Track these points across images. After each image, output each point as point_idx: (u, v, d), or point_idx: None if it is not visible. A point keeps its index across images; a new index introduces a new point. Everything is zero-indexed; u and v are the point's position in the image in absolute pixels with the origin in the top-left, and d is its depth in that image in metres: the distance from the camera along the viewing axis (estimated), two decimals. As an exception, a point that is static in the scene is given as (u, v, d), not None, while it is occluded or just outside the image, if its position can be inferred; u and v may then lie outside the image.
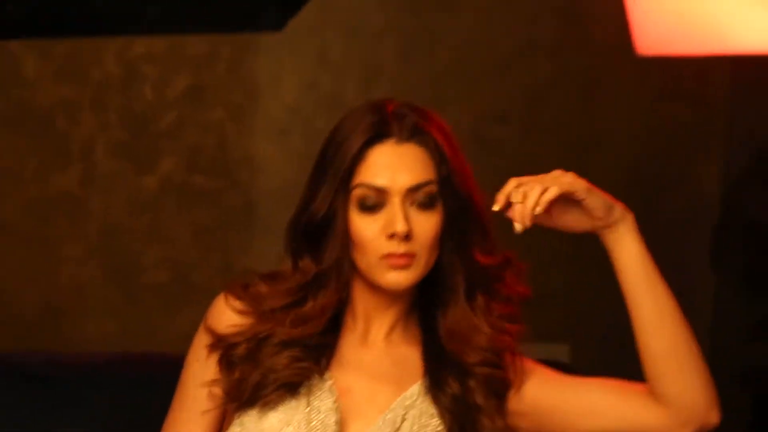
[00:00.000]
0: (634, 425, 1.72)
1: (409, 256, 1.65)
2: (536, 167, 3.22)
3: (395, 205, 1.65)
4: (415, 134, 1.66)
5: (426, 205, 1.66)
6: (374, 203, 1.66)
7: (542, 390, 1.73)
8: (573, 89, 3.26)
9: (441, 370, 1.71)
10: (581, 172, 3.54)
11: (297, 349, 1.68)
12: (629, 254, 1.72)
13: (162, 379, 1.93)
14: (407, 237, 1.64)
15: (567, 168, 3.41)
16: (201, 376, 1.71)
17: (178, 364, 1.79)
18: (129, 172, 3.12)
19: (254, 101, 3.16)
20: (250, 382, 1.67)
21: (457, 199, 1.68)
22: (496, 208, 1.67)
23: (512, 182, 1.67)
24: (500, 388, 1.72)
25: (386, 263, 1.65)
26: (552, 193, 1.67)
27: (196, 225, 3.14)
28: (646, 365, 1.71)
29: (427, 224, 1.66)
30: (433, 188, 1.66)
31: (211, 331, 1.70)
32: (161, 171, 3.14)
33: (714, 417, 1.69)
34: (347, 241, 1.66)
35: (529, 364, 1.76)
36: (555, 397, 1.73)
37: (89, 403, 2.02)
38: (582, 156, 3.25)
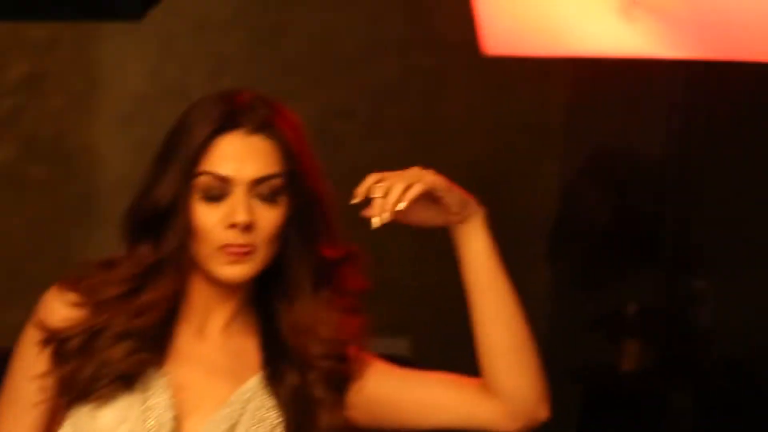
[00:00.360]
0: (468, 419, 1.74)
1: (248, 248, 1.63)
2: (381, 164, 3.24)
3: (238, 195, 1.63)
4: (264, 127, 1.64)
5: (270, 198, 1.64)
6: (218, 193, 1.63)
7: (381, 383, 1.74)
8: (419, 87, 3.29)
9: (280, 362, 1.70)
10: (425, 166, 3.58)
11: (133, 341, 1.64)
12: (477, 248, 1.74)
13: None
14: (248, 228, 1.62)
15: (410, 162, 3.43)
16: (31, 369, 1.65)
17: (9, 357, 1.74)
18: (-37, 160, 3.03)
19: (97, 89, 3.10)
20: (84, 374, 1.62)
21: (303, 194, 1.66)
22: (355, 200, 1.67)
23: (372, 177, 1.67)
24: (341, 381, 1.72)
25: (224, 254, 1.63)
26: (417, 189, 1.67)
27: (31, 217, 3.06)
28: (482, 358, 1.74)
29: (269, 217, 1.64)
30: (278, 182, 1.64)
31: (42, 326, 1.64)
32: (-3, 159, 3.06)
33: (543, 412, 1.73)
34: (188, 230, 1.63)
35: (370, 358, 1.77)
36: (393, 390, 1.74)
37: None
38: (427, 152, 3.28)
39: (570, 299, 3.24)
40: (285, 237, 1.66)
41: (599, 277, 3.07)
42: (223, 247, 1.62)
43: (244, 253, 1.62)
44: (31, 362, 1.65)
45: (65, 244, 3.07)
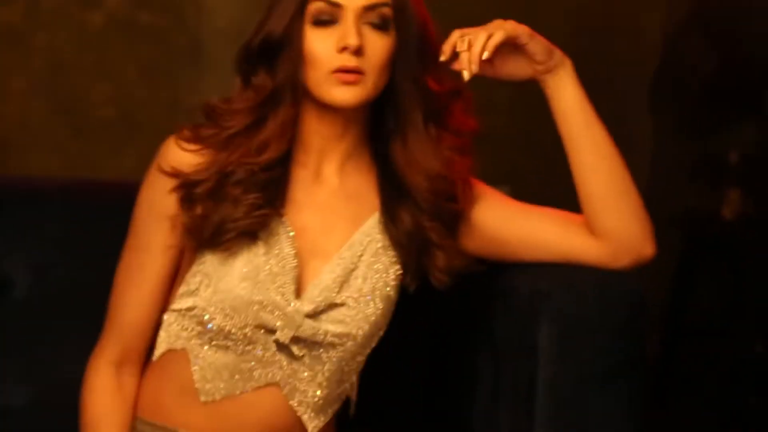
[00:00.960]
0: (574, 255, 1.78)
1: (359, 73, 1.66)
2: (483, 12, 3.24)
3: (349, 20, 1.66)
4: None
5: (380, 26, 1.68)
6: (329, 18, 1.67)
7: (491, 215, 1.78)
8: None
9: (395, 203, 1.75)
10: (527, 18, 3.56)
11: (255, 195, 1.68)
12: (568, 98, 1.76)
13: (117, 206, 1.95)
14: (358, 52, 1.65)
15: (513, 14, 3.42)
16: (160, 213, 1.72)
17: (133, 191, 1.80)
18: (73, 7, 3.08)
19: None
20: (210, 223, 1.68)
21: (412, 26, 1.69)
22: (443, 58, 1.70)
23: (456, 33, 1.70)
24: (453, 221, 1.76)
25: (335, 78, 1.66)
26: (498, 37, 1.70)
27: (143, 62, 3.12)
28: (584, 203, 1.77)
29: (379, 44, 1.67)
30: (387, 10, 1.67)
31: (171, 171, 1.69)
32: (107, 7, 3.10)
33: (649, 249, 1.76)
34: (301, 55, 1.67)
35: (481, 188, 1.81)
36: (503, 222, 1.78)
37: (42, 229, 2.03)
38: (529, 2, 3.25)
39: (673, 147, 3.23)
40: (394, 68, 1.70)
41: (702, 126, 3.05)
42: (335, 71, 1.66)
43: (355, 76, 1.66)
44: (159, 207, 1.72)
45: (175, 89, 3.13)
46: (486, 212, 1.78)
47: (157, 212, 1.72)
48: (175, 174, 1.70)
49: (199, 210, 1.69)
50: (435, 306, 2.05)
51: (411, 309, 2.07)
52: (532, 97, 3.25)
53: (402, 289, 1.80)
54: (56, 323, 2.03)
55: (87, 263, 2.00)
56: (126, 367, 1.76)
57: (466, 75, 1.70)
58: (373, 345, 1.79)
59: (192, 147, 1.70)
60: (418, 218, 1.74)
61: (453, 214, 1.76)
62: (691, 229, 3.03)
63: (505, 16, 3.18)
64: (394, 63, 1.70)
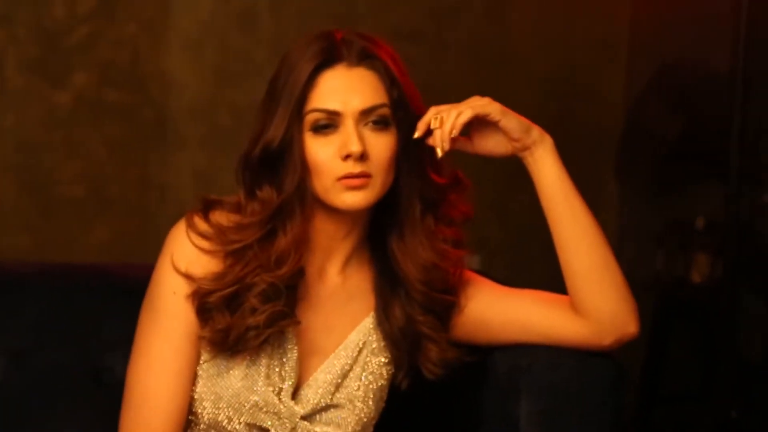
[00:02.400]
0: (557, 336, 1.77)
1: (365, 176, 1.66)
2: (448, 84, 3.28)
3: (349, 127, 1.65)
4: (365, 58, 1.67)
5: (380, 126, 1.67)
6: (328, 124, 1.66)
7: (480, 303, 1.77)
8: (484, 7, 3.29)
9: (389, 299, 1.74)
10: (494, 88, 3.60)
11: (275, 303, 1.67)
12: (548, 175, 1.76)
13: (92, 288, 1.94)
14: (362, 157, 1.65)
15: (480, 85, 3.47)
16: (184, 324, 1.68)
17: (107, 272, 1.78)
18: (41, 88, 3.09)
19: (167, 16, 3.14)
20: (236, 333, 1.66)
21: (410, 120, 1.69)
22: (416, 135, 1.69)
23: (431, 111, 1.70)
24: (446, 312, 1.76)
25: (342, 185, 1.65)
26: (466, 115, 1.70)
27: (111, 140, 3.13)
28: (568, 281, 1.77)
29: (381, 144, 1.67)
30: (385, 111, 1.67)
31: (185, 273, 1.67)
32: (74, 86, 3.11)
33: (633, 328, 1.76)
34: (305, 166, 1.66)
35: (470, 276, 1.80)
36: (492, 309, 1.78)
37: (18, 313, 2.02)
38: (494, 70, 3.30)
39: (639, 213, 3.26)
40: (398, 163, 1.70)
41: (667, 191, 3.10)
42: (341, 179, 1.66)
43: (362, 180, 1.66)
44: (182, 317, 1.68)
45: (144, 166, 3.13)
46: (475, 300, 1.78)
47: (183, 314, 1.68)
48: (188, 277, 1.67)
49: (220, 324, 1.66)
50: (414, 382, 2.05)
51: (390, 387, 2.08)
52: (502, 168, 3.30)
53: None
54: (34, 407, 2.01)
55: (64, 346, 1.99)
56: None
57: (439, 152, 1.71)
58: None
59: (205, 245, 1.67)
60: (411, 312, 1.73)
61: (446, 305, 1.76)
62: (661, 293, 3.06)
63: (475, 86, 3.24)
64: (398, 159, 1.70)
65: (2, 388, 1.98)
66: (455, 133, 1.69)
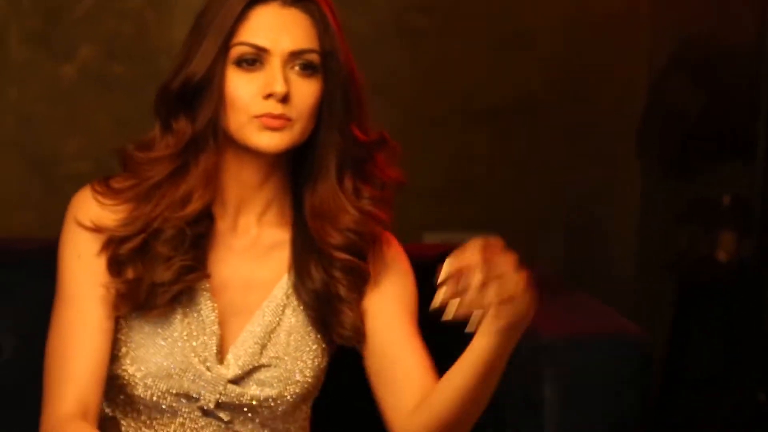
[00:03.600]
0: (384, 399, 1.70)
1: (285, 119, 1.62)
2: (459, 60, 3.25)
3: (275, 66, 1.62)
4: (300, 1, 1.64)
5: (307, 71, 1.64)
6: (253, 60, 1.62)
7: (383, 306, 1.70)
8: (499, -20, 3.27)
9: (307, 257, 1.69)
10: (508, 66, 3.58)
11: (183, 256, 1.64)
12: (493, 351, 1.55)
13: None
14: (285, 99, 1.61)
15: (493, 62, 3.43)
16: (92, 277, 1.66)
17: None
18: (45, 61, 3.07)
19: (173, -12, 3.13)
20: (145, 285, 1.64)
21: (339, 73, 1.65)
22: (434, 305, 1.47)
23: (477, 276, 1.44)
24: (360, 279, 1.70)
25: (259, 123, 1.62)
26: (502, 321, 1.48)
27: (116, 114, 3.11)
28: (425, 414, 1.64)
29: (306, 90, 1.63)
30: (314, 57, 1.64)
31: (92, 227, 1.65)
32: (78, 60, 3.09)
33: None
34: (223, 99, 1.62)
35: (400, 265, 1.73)
36: (383, 321, 1.71)
37: (25, 291, 2.01)
38: (507, 48, 3.27)
39: (662, 191, 3.24)
40: (320, 113, 1.65)
41: (691, 169, 3.07)
42: (260, 116, 1.61)
43: (281, 122, 1.61)
44: (89, 271, 1.66)
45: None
46: (386, 291, 1.70)
47: (89, 277, 1.66)
48: (97, 229, 1.65)
49: (130, 274, 1.64)
50: (435, 354, 2.04)
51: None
52: (517, 142, 3.28)
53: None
54: (41, 386, 2.00)
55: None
56: (89, 422, 1.66)
57: (446, 315, 1.47)
58: (312, 399, 1.74)
59: (111, 201, 1.66)
60: (329, 270, 1.69)
61: (361, 272, 1.70)
62: (685, 273, 3.04)
63: (487, 62, 3.22)
64: (320, 108, 1.66)
65: (11, 366, 1.98)
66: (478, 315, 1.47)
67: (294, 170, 1.71)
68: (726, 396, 2.84)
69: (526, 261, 2.24)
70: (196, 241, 1.66)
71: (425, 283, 2.10)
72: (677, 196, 3.14)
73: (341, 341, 1.71)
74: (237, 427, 1.70)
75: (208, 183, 1.65)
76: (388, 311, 1.72)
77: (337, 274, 1.68)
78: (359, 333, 1.69)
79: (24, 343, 2.00)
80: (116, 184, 1.68)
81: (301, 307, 1.71)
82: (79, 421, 1.63)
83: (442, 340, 1.75)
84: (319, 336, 1.71)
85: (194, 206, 1.64)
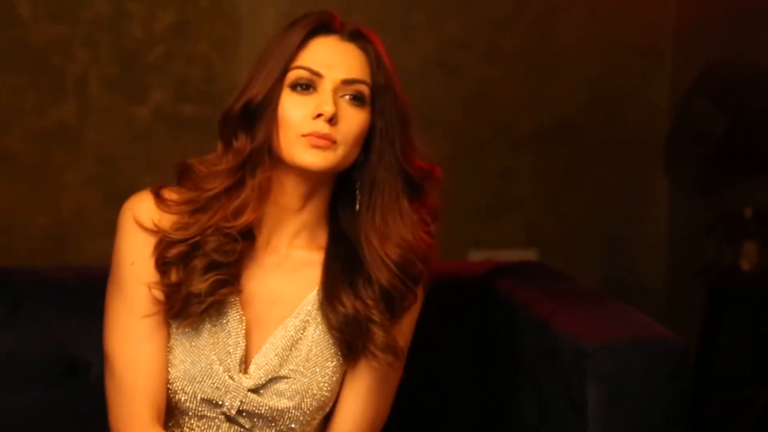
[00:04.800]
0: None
1: (330, 140, 1.61)
2: (499, 90, 3.27)
3: (326, 91, 1.62)
4: (358, 38, 1.65)
5: (356, 102, 1.64)
6: (307, 84, 1.63)
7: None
8: (532, 17, 3.28)
9: (337, 285, 1.67)
10: (544, 93, 3.59)
11: (219, 271, 1.63)
12: None
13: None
14: (332, 120, 1.61)
15: (529, 91, 3.44)
16: (144, 292, 1.65)
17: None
18: (122, 104, 3.11)
19: (237, 34, 3.16)
20: (182, 293, 1.63)
21: (389, 109, 1.65)
22: None
23: None
24: (394, 302, 1.67)
25: (306, 141, 1.61)
26: None
27: (187, 151, 3.14)
28: None
29: (353, 118, 1.63)
30: (365, 89, 1.64)
31: (152, 227, 1.64)
32: (152, 102, 3.13)
33: None
34: (276, 119, 1.62)
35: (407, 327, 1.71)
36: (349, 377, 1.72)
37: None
38: (543, 78, 3.28)
39: (689, 206, 3.23)
40: (373, 145, 1.65)
41: (716, 185, 3.06)
42: (307, 135, 1.61)
43: (326, 141, 1.61)
44: (143, 273, 1.65)
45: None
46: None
47: (140, 290, 1.66)
48: (156, 230, 1.64)
49: (173, 277, 1.63)
50: (484, 364, 2.04)
51: (458, 368, 2.07)
52: (558, 164, 3.28)
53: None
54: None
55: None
56: (161, 424, 1.67)
57: None
58: (328, 409, 1.72)
59: (169, 206, 1.66)
60: (362, 297, 1.66)
61: (400, 298, 1.67)
62: (712, 281, 3.03)
63: (524, 91, 3.23)
64: (372, 140, 1.65)
65: (101, 382, 2.00)
66: None
67: (333, 199, 1.70)
68: (754, 394, 2.82)
69: (566, 274, 2.25)
70: (236, 256, 1.65)
71: (470, 297, 2.11)
72: (703, 210, 3.13)
73: (374, 361, 1.67)
74: None
75: (260, 196, 1.65)
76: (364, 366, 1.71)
77: (370, 301, 1.66)
78: (394, 351, 1.67)
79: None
80: (171, 194, 1.68)
81: (325, 326, 1.69)
82: (156, 426, 1.65)
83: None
84: (338, 352, 1.70)
85: (246, 218, 1.63)
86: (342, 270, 1.67)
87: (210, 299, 1.63)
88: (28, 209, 3.08)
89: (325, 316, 1.67)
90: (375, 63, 1.66)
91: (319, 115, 1.61)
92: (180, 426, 1.71)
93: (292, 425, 1.69)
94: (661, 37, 3.32)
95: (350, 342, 1.66)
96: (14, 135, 3.07)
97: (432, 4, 3.24)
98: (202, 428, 1.69)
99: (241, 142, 1.63)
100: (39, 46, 3.06)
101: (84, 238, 3.11)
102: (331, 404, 1.72)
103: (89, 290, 2.00)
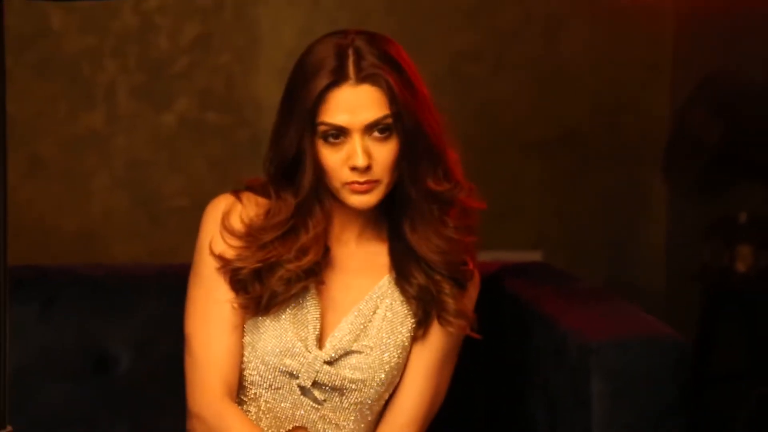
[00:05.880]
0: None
1: (370, 183, 1.67)
2: (506, 101, 3.26)
3: (355, 139, 1.65)
4: (369, 77, 1.65)
5: (384, 134, 1.67)
6: (336, 137, 1.66)
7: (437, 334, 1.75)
8: (539, 30, 3.27)
9: (408, 265, 1.73)
10: (548, 104, 3.59)
11: (302, 279, 1.70)
12: None
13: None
14: (367, 169, 1.65)
15: (535, 101, 3.43)
16: (219, 290, 1.72)
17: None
18: (148, 112, 3.12)
19: (257, 46, 3.16)
20: (265, 298, 1.69)
21: (412, 128, 1.67)
22: None
23: None
24: (462, 281, 1.74)
25: (349, 188, 1.67)
26: None
27: (210, 157, 3.15)
28: None
29: (385, 151, 1.67)
30: (388, 120, 1.66)
31: (216, 255, 1.71)
32: (177, 110, 3.14)
33: None
34: (318, 169, 1.67)
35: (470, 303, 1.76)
36: (422, 348, 1.76)
37: (141, 310, 2.04)
38: (548, 88, 3.28)
39: (687, 211, 3.22)
40: (401, 166, 1.68)
41: (712, 191, 3.06)
42: (348, 184, 1.67)
43: (367, 186, 1.67)
44: (215, 287, 1.72)
45: (238, 182, 3.14)
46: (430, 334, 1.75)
47: (219, 279, 1.72)
48: (220, 258, 1.71)
49: (253, 293, 1.70)
50: (491, 361, 2.04)
51: (467, 365, 2.07)
52: (562, 170, 3.27)
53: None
54: (156, 392, 2.03)
55: (182, 338, 2.01)
56: (234, 401, 1.72)
57: None
58: (390, 392, 1.76)
59: (234, 241, 1.71)
60: (430, 275, 1.73)
61: (462, 275, 1.74)
62: (709, 283, 3.02)
63: (530, 101, 3.22)
64: (400, 162, 1.69)
65: (130, 375, 2.00)
66: None
67: (388, 202, 1.74)
68: (749, 390, 2.81)
69: (571, 274, 2.24)
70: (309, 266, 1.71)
71: (478, 296, 2.12)
72: (701, 214, 3.12)
73: (448, 327, 1.72)
74: (326, 411, 1.72)
75: (319, 241, 1.71)
76: (433, 343, 1.75)
77: (438, 276, 1.72)
78: (466, 316, 1.72)
79: (139, 355, 2.02)
80: (250, 199, 1.74)
81: (402, 303, 1.74)
82: (228, 401, 1.70)
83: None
84: (411, 322, 1.74)
85: (310, 258, 1.70)
86: (407, 258, 1.73)
87: (298, 285, 1.70)
88: (60, 211, 3.08)
89: (402, 289, 1.73)
90: (390, 92, 1.66)
91: (354, 168, 1.65)
92: (255, 399, 1.74)
93: (363, 400, 1.72)
94: (660, 51, 3.31)
95: (426, 308, 1.72)
96: (47, 141, 3.08)
97: (443, 19, 3.24)
98: (277, 401, 1.73)
99: (288, 195, 1.70)
100: (70, 57, 3.07)
101: (112, 238, 3.11)
102: (393, 386, 1.75)
103: (119, 287, 2.01)
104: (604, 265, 3.30)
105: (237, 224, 1.72)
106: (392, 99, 1.66)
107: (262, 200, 1.75)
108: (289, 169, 1.69)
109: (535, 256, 3.22)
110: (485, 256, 3.27)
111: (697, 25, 3.21)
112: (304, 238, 1.69)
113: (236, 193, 1.78)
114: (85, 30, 3.07)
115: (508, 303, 2.08)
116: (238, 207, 1.74)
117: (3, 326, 1.02)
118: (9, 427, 1.02)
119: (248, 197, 1.76)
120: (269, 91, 3.17)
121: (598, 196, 3.29)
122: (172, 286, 2.03)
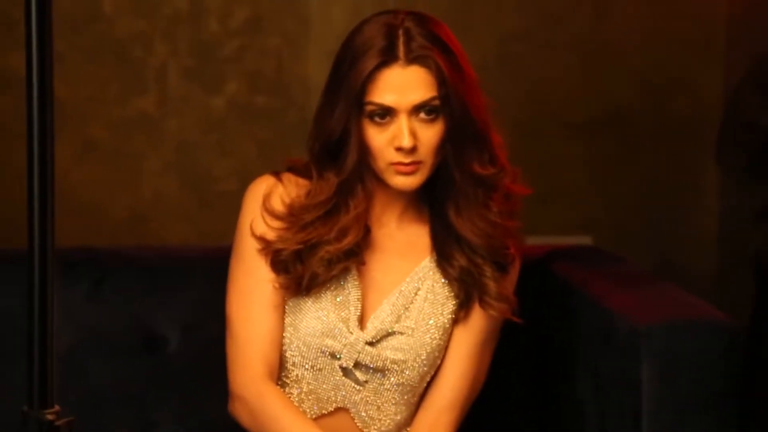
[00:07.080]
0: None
1: (415, 164, 1.65)
2: (555, 80, 3.22)
3: (402, 120, 1.64)
4: (419, 59, 1.64)
5: (431, 116, 1.65)
6: (383, 117, 1.65)
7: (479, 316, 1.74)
8: (588, 10, 3.23)
9: (449, 247, 1.72)
10: (597, 84, 3.53)
11: (343, 260, 1.70)
12: None
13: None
14: (412, 150, 1.64)
15: (584, 81, 3.39)
16: (260, 271, 1.72)
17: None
18: (198, 95, 3.12)
19: (307, 29, 3.14)
20: (306, 279, 1.69)
21: (458, 112, 1.65)
22: None
23: None
24: (504, 265, 1.73)
25: (394, 169, 1.66)
26: None
27: (259, 140, 3.15)
28: None
29: (431, 133, 1.65)
30: (436, 102, 1.65)
31: (257, 237, 1.70)
32: (227, 93, 3.14)
33: None
34: (363, 149, 1.66)
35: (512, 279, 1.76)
36: (459, 333, 1.75)
37: (189, 292, 2.05)
38: (597, 68, 3.23)
39: (739, 195, 3.17)
40: (445, 149, 1.67)
41: (763, 172, 3.00)
42: (394, 164, 1.66)
43: (412, 167, 1.66)
44: (256, 267, 1.72)
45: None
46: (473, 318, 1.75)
47: (261, 259, 1.72)
48: (262, 239, 1.70)
49: (295, 273, 1.69)
50: (540, 345, 2.02)
51: (516, 349, 2.04)
52: (608, 151, 3.23)
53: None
54: (203, 373, 2.03)
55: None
56: (275, 381, 1.73)
57: None
58: (431, 374, 1.76)
59: (275, 223, 1.70)
60: (472, 258, 1.71)
61: (504, 258, 1.73)
62: (762, 267, 2.97)
63: (579, 81, 3.18)
64: (445, 145, 1.67)
65: (178, 355, 2.01)
66: None
67: (431, 184, 1.73)
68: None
69: (619, 258, 2.21)
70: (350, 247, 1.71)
71: (527, 280, 2.10)
72: (753, 198, 3.06)
73: (490, 310, 1.71)
74: (367, 392, 1.71)
75: (360, 222, 1.70)
76: (477, 322, 1.75)
77: (479, 260, 1.71)
78: (507, 299, 1.71)
79: (187, 335, 2.03)
80: (290, 180, 1.73)
81: (443, 285, 1.73)
82: (269, 381, 1.70)
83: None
84: (453, 303, 1.73)
85: (350, 240, 1.69)
86: (449, 240, 1.72)
87: (338, 266, 1.69)
88: (111, 193, 3.10)
89: (444, 270, 1.72)
90: (439, 74, 1.65)
91: (399, 148, 1.64)
92: (298, 381, 1.74)
93: (404, 381, 1.72)
94: (713, 29, 3.25)
95: (467, 290, 1.71)
96: (98, 124, 3.09)
97: (491, 0, 3.21)
98: (319, 382, 1.73)
99: (330, 175, 1.69)
100: (121, 40, 3.08)
101: (162, 220, 3.12)
102: (433, 369, 1.74)
103: (167, 268, 2.02)
104: (653, 249, 3.25)
105: (278, 205, 1.71)
106: (441, 81, 1.64)
107: (302, 181, 1.74)
108: (334, 148, 1.68)
109: (585, 240, 3.18)
110: (534, 240, 3.25)
111: (751, 1, 3.14)
112: (344, 219, 1.69)
113: (277, 174, 1.77)
114: (136, 14, 3.08)
115: (557, 287, 2.06)
116: (279, 188, 1.73)
117: (49, 307, 1.02)
118: (56, 407, 1.02)
119: (288, 178, 1.76)
120: (318, 73, 3.16)
121: (647, 179, 3.24)
122: (221, 268, 2.02)
